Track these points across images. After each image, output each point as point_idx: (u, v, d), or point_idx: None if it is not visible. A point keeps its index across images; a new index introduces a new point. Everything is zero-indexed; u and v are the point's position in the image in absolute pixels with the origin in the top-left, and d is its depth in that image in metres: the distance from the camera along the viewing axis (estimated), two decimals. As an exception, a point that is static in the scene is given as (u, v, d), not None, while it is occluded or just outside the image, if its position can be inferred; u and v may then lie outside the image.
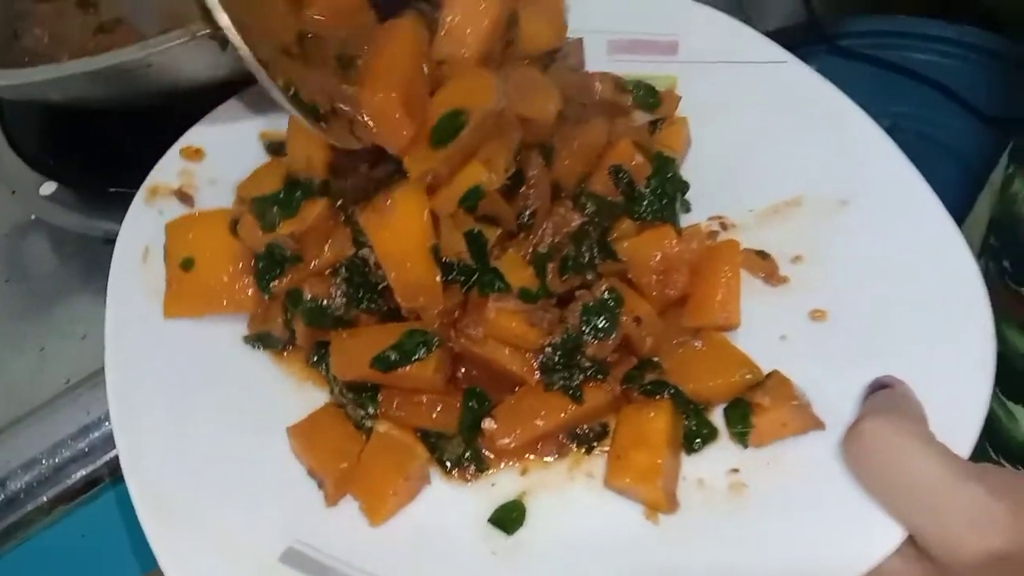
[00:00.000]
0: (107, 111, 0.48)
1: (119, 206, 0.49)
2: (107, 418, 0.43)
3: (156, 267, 0.42)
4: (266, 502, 0.37)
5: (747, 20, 1.07)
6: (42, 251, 0.52)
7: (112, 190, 0.50)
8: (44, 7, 0.57)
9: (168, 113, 0.46)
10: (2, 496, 0.43)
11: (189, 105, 0.46)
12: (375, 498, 0.36)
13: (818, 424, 0.35)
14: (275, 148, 0.44)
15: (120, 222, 0.47)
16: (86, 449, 0.43)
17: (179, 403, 0.38)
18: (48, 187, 0.52)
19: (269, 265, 0.39)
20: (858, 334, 0.37)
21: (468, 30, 0.39)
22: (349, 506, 0.37)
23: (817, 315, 0.38)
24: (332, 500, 0.37)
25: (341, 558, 0.35)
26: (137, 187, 0.45)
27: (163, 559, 0.35)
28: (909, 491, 0.31)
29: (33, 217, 0.52)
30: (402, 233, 0.37)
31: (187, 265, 0.40)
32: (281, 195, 0.40)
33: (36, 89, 0.43)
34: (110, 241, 0.49)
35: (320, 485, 0.37)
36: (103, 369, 0.42)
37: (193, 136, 0.45)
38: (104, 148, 0.52)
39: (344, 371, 0.38)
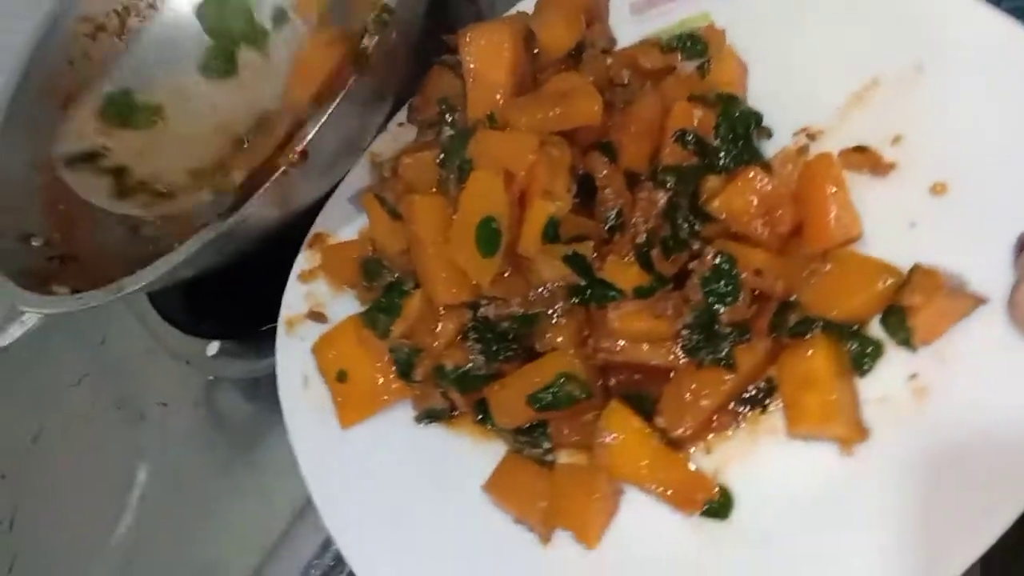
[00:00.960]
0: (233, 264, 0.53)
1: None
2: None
3: (318, 389, 0.45)
4: (490, 561, 0.39)
5: None
6: (230, 403, 0.56)
7: (264, 329, 0.55)
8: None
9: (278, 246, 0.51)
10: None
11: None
12: (582, 523, 0.38)
13: (979, 301, 0.34)
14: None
15: None
16: (331, 562, 0.47)
17: (382, 497, 0.42)
18: (212, 347, 0.57)
19: (401, 361, 0.42)
20: (985, 195, 0.35)
21: (491, 72, 0.40)
22: (562, 540, 0.38)
23: (938, 189, 0.36)
24: (546, 538, 0.39)
25: None
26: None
27: None
28: None
29: (211, 378, 0.57)
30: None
31: (342, 377, 0.44)
32: (383, 301, 0.43)
33: (170, 276, 0.48)
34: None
35: (530, 528, 0.39)
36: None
37: (303, 261, 0.49)
38: (241, 296, 0.56)
39: (508, 420, 0.40)
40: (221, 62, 0.60)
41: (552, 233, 0.38)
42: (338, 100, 0.42)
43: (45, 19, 0.61)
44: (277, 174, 0.43)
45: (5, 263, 0.52)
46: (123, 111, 0.59)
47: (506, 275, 0.40)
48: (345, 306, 0.47)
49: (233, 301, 0.57)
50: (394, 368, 0.43)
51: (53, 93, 0.61)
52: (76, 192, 0.57)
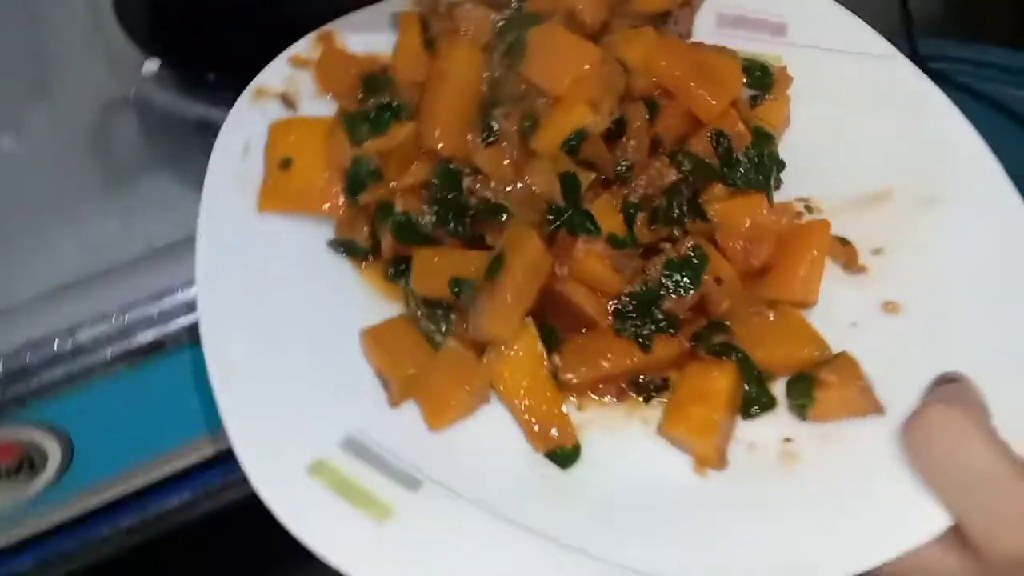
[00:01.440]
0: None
1: (216, 93, 0.51)
2: (183, 287, 0.44)
3: (254, 163, 0.43)
4: (333, 392, 0.38)
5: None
6: (133, 128, 0.53)
7: (212, 76, 0.52)
8: None
9: (279, 16, 0.48)
10: (69, 345, 0.44)
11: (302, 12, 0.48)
12: (437, 405, 0.38)
13: (879, 408, 0.37)
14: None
15: (215, 108, 0.49)
16: (156, 314, 0.45)
17: (261, 288, 0.40)
18: (151, 65, 0.54)
19: (356, 177, 0.41)
20: (929, 329, 0.38)
21: None
22: (409, 410, 0.38)
23: (890, 307, 0.40)
24: (396, 402, 0.38)
25: (397, 453, 0.37)
26: (237, 78, 0.46)
27: (229, 425, 0.36)
28: (964, 479, 0.33)
29: (132, 93, 0.54)
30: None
31: (285, 164, 0.42)
32: (372, 113, 0.42)
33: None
34: (202, 126, 0.51)
35: (385, 387, 0.39)
36: (183, 240, 0.44)
37: (302, 47, 0.47)
38: (210, 35, 0.53)
39: (424, 287, 0.40)
40: None
41: (575, 144, 0.39)
42: None
43: None
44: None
45: None
46: None
47: (502, 160, 0.40)
48: (318, 109, 0.45)
49: (196, 37, 0.53)
50: (342, 182, 0.42)
51: None
52: None
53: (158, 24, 0.55)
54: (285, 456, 0.36)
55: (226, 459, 0.48)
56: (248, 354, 0.38)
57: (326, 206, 0.42)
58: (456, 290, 0.39)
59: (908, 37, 1.02)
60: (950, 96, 1.00)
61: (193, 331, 0.44)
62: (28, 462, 0.45)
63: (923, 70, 1.03)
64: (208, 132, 0.49)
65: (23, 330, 0.44)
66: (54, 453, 0.46)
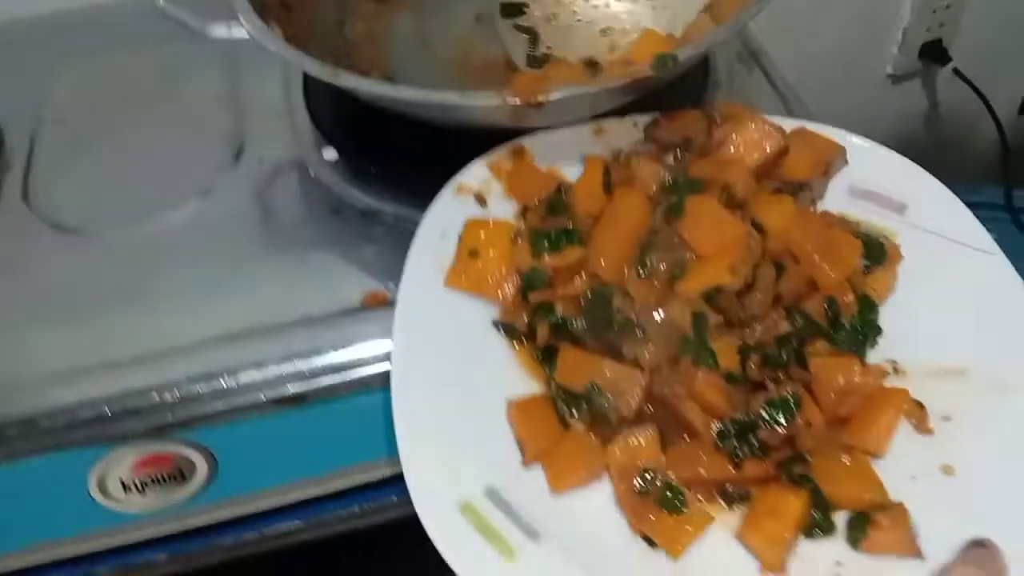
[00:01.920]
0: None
1: (379, 186, 0.60)
2: (330, 350, 0.53)
3: (447, 247, 0.52)
4: (482, 447, 0.47)
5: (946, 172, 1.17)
6: (307, 205, 0.61)
7: (375, 170, 0.61)
8: (367, 5, 0.68)
9: (436, 135, 0.57)
10: (230, 384, 0.52)
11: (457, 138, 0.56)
12: (561, 472, 0.47)
13: (919, 554, 0.43)
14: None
15: (377, 200, 0.59)
16: (306, 371, 0.53)
17: (440, 352, 0.49)
18: (329, 153, 0.63)
19: (530, 280, 0.50)
20: (975, 496, 0.45)
21: (745, 156, 0.48)
22: (539, 473, 0.47)
23: (947, 469, 0.47)
24: (527, 462, 0.47)
25: (524, 506, 0.45)
26: (397, 176, 0.58)
27: (407, 462, 0.45)
28: None
29: (312, 174, 0.62)
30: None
31: (473, 254, 0.51)
32: (552, 235, 0.51)
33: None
34: (364, 213, 0.59)
35: (521, 450, 0.47)
36: (336, 312, 0.54)
37: (498, 154, 0.56)
38: (380, 139, 0.62)
39: (565, 379, 0.48)
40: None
41: (713, 296, 0.47)
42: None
43: None
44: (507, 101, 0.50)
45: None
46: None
47: (650, 292, 0.48)
48: (504, 209, 0.54)
49: (374, 133, 0.62)
50: (518, 280, 0.51)
51: None
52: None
53: (340, 121, 0.64)
54: (445, 494, 0.44)
55: (341, 495, 0.56)
56: (426, 406, 0.47)
57: (499, 293, 0.51)
58: (592, 391, 0.47)
59: (1006, 188, 1.08)
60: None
61: (331, 389, 0.53)
62: (180, 473, 0.54)
63: (1013, 221, 1.09)
64: (368, 219, 0.59)
65: (195, 366, 0.53)
66: (202, 469, 0.54)
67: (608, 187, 0.52)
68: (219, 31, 0.57)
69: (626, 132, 0.57)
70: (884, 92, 1.27)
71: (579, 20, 0.69)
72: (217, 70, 0.70)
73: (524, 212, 0.54)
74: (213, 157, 0.64)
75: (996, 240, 1.06)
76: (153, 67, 0.72)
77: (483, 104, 0.51)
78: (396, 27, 0.69)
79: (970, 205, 1.16)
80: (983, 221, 1.13)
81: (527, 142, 0.56)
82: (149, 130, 0.67)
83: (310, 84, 0.66)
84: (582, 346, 0.49)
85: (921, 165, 1.34)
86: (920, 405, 0.48)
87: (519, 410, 0.48)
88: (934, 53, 1.21)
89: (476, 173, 0.55)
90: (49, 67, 0.73)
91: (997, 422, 0.47)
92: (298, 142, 0.64)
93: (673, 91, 0.58)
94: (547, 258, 0.49)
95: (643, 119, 0.57)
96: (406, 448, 0.45)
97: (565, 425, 0.48)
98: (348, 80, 0.52)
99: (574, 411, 0.48)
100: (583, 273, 0.50)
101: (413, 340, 0.49)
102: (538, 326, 0.49)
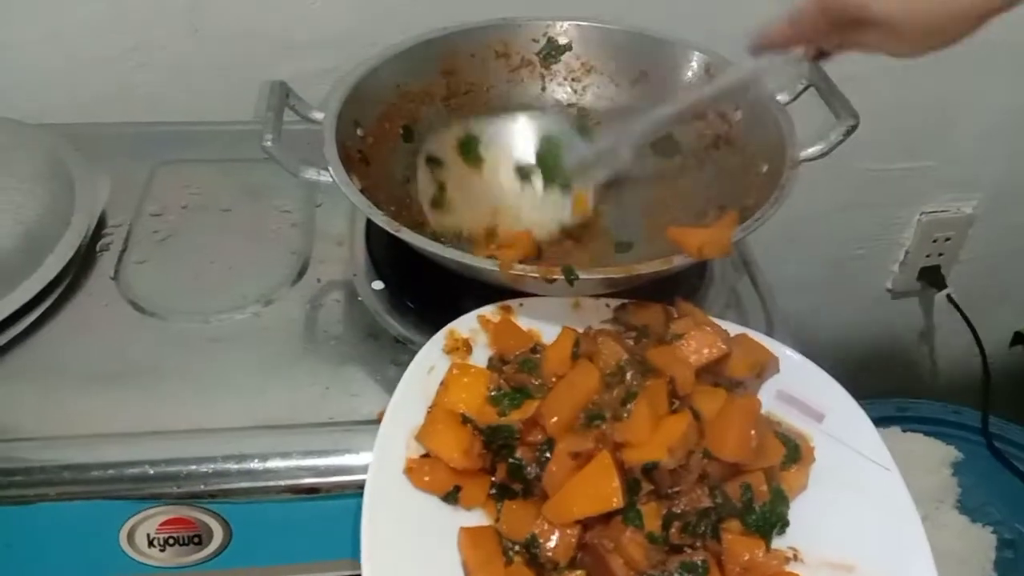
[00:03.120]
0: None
1: (413, 318, 0.71)
2: (345, 454, 0.62)
3: (433, 381, 0.62)
4: (436, 560, 0.55)
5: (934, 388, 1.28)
6: (350, 325, 0.72)
7: (411, 304, 0.72)
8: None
9: (462, 285, 0.67)
10: (258, 467, 0.62)
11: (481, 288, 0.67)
12: None
13: None
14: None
15: (407, 329, 0.69)
16: (322, 467, 0.62)
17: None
18: (378, 284, 0.74)
19: (495, 432, 0.59)
20: None
21: (689, 356, 0.60)
22: None
23: None
24: None
25: None
26: (429, 314, 0.68)
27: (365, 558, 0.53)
28: None
29: (359, 298, 0.73)
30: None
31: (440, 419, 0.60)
32: (511, 395, 0.61)
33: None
34: (396, 340, 0.70)
35: (465, 572, 0.55)
36: (358, 421, 0.63)
37: (487, 310, 0.66)
38: (417, 282, 0.73)
39: (507, 528, 0.57)
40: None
41: (650, 468, 0.56)
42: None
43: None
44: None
45: (339, 132, 0.71)
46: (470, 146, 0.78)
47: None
48: (482, 355, 0.64)
49: (416, 273, 0.73)
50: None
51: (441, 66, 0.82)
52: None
53: (391, 258, 0.76)
54: None
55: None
56: (390, 517, 0.55)
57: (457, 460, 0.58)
58: (530, 541, 0.56)
59: (983, 414, 1.18)
60: (1004, 475, 1.15)
61: (341, 486, 0.62)
62: (199, 537, 0.63)
63: (987, 446, 1.18)
64: (398, 346, 0.69)
65: (231, 447, 0.62)
66: (218, 536, 0.63)
67: (575, 356, 0.62)
68: (309, 174, 0.69)
69: (598, 310, 0.67)
70: (883, 305, 1.38)
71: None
72: (295, 195, 0.83)
73: (500, 362, 0.63)
74: (280, 271, 0.75)
75: (969, 458, 1.16)
76: (240, 183, 0.83)
77: (514, 274, 0.62)
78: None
79: (949, 424, 1.26)
80: (961, 441, 1.23)
81: (514, 304, 0.66)
82: (230, 238, 0.79)
83: (371, 223, 0.78)
84: (532, 492, 0.57)
85: (910, 379, 1.45)
86: None
87: (468, 537, 0.56)
88: (931, 277, 1.33)
89: (467, 322, 0.65)
90: (153, 167, 0.86)
91: None
92: (353, 269, 0.75)
93: (671, 282, 0.69)
94: (511, 414, 0.59)
95: (614, 302, 0.67)
96: (367, 551, 0.53)
97: (508, 560, 0.56)
98: (408, 235, 0.64)
99: (516, 548, 0.56)
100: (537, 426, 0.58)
101: (390, 455, 0.57)
102: (498, 465, 0.58)
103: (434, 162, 0.77)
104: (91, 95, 0.93)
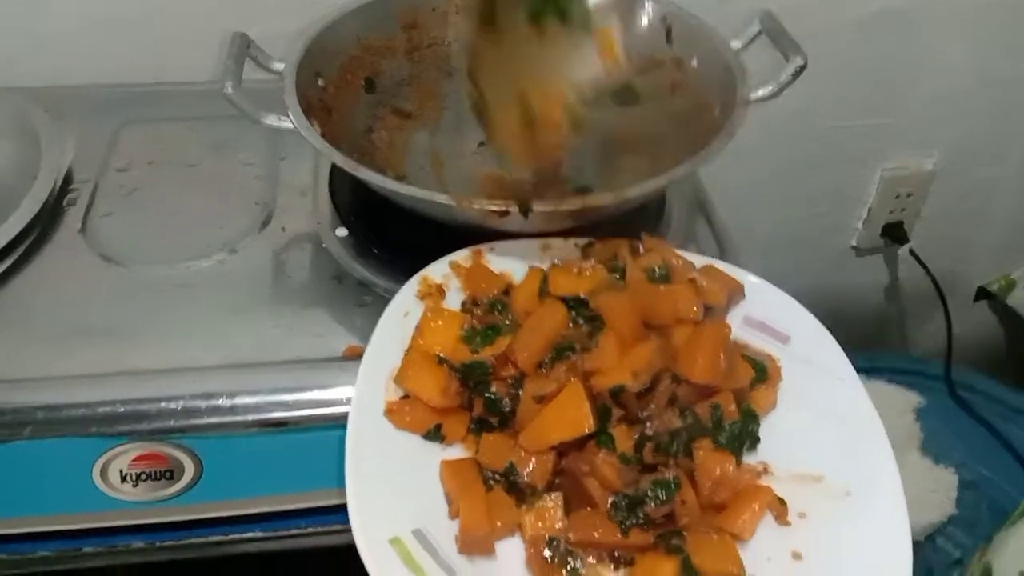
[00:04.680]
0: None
1: (378, 265, 0.73)
2: (314, 390, 0.64)
3: (408, 325, 0.63)
4: (416, 497, 0.57)
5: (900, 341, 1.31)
6: (315, 270, 0.73)
7: (376, 251, 0.75)
8: (393, 119, 0.83)
9: (431, 229, 0.68)
10: (226, 404, 0.64)
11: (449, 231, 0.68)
12: (473, 529, 0.55)
13: None
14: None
15: (373, 275, 0.71)
16: (290, 401, 0.64)
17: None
18: (342, 231, 0.75)
19: (469, 370, 0.60)
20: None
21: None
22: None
23: (796, 555, 0.56)
24: (453, 515, 0.56)
25: (445, 549, 0.54)
26: (395, 259, 0.70)
27: (351, 499, 0.54)
28: None
29: (323, 245, 0.74)
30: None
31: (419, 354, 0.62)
32: (483, 331, 0.62)
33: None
34: (361, 284, 0.72)
35: (448, 502, 0.57)
36: (321, 360, 0.65)
37: (460, 255, 0.67)
38: (381, 227, 0.74)
39: (486, 459, 0.58)
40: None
41: (617, 393, 0.57)
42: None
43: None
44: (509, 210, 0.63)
45: (299, 81, 0.72)
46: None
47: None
48: (456, 299, 0.65)
49: (382, 219, 0.75)
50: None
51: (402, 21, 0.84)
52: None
53: (354, 206, 0.77)
54: (378, 528, 0.54)
55: (300, 514, 0.67)
56: (373, 455, 0.57)
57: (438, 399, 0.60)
58: (509, 469, 0.58)
59: (947, 363, 1.22)
60: (965, 420, 1.19)
61: (308, 419, 0.64)
62: (170, 472, 0.65)
63: (950, 393, 1.22)
64: (363, 289, 0.71)
65: (199, 385, 0.64)
66: (189, 471, 0.64)
67: (542, 294, 0.63)
68: (270, 120, 0.71)
69: (568, 250, 0.68)
70: (848, 262, 1.41)
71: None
72: (259, 149, 0.83)
73: (473, 305, 0.64)
74: (244, 220, 0.76)
75: (932, 405, 1.19)
76: (205, 139, 0.84)
77: (470, 208, 0.63)
78: (414, 139, 0.83)
79: (914, 373, 1.29)
80: (925, 389, 1.26)
81: (484, 248, 0.67)
82: (194, 191, 0.80)
83: (335, 173, 0.80)
84: (508, 425, 0.59)
85: (877, 334, 1.48)
86: (782, 501, 0.58)
87: (449, 469, 0.57)
88: (894, 233, 1.36)
89: (439, 268, 0.66)
90: (119, 125, 0.86)
91: (840, 522, 0.57)
92: (317, 218, 0.76)
93: (632, 222, 0.71)
94: (483, 350, 0.60)
95: (582, 241, 0.68)
96: (352, 486, 0.55)
97: (488, 488, 0.57)
98: (365, 173, 0.65)
99: (496, 477, 0.58)
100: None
101: (370, 407, 0.59)
102: (474, 400, 0.60)
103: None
104: (55, 58, 0.94)
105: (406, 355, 0.62)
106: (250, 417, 0.63)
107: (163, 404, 0.62)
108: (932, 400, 1.22)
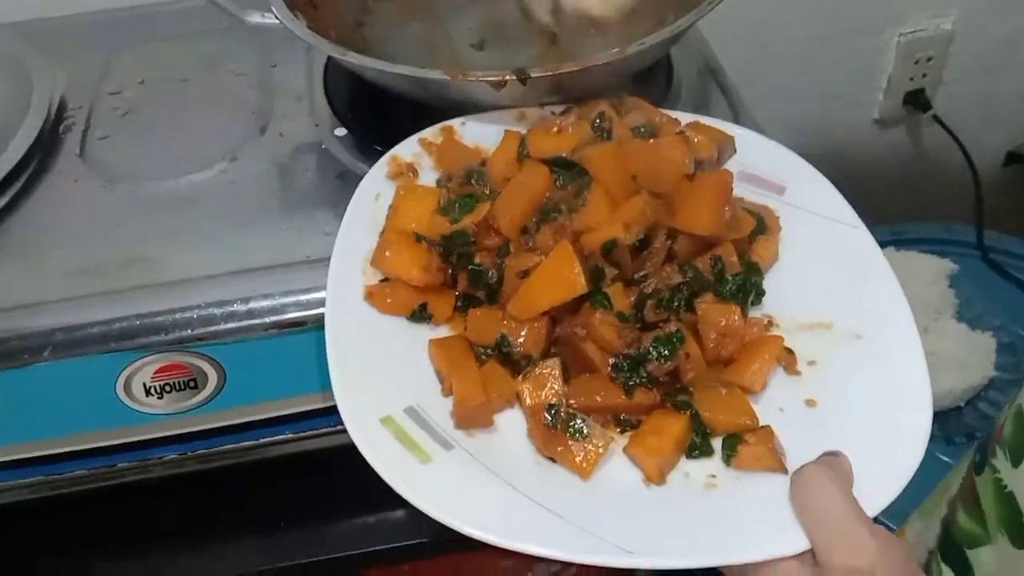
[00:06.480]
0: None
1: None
2: (317, 287, 0.62)
3: (381, 207, 0.62)
4: (406, 377, 0.55)
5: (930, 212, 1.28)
6: (318, 172, 0.72)
7: (378, 148, 0.73)
8: (384, 5, 0.80)
9: (431, 115, 0.68)
10: (241, 309, 0.64)
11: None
12: (468, 400, 0.54)
13: (782, 467, 0.51)
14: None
15: None
16: (305, 301, 0.64)
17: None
18: (340, 130, 0.74)
19: (452, 241, 0.58)
20: (830, 421, 0.53)
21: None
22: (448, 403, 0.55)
23: (809, 402, 0.54)
24: (446, 392, 0.55)
25: (441, 424, 0.53)
26: None
27: (336, 386, 0.53)
28: (820, 516, 0.47)
29: (323, 147, 0.73)
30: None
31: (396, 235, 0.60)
32: (462, 200, 0.59)
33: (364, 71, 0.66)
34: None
35: (440, 381, 0.55)
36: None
37: (430, 132, 0.65)
38: (380, 120, 0.73)
39: (474, 335, 0.56)
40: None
41: (609, 249, 0.54)
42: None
43: None
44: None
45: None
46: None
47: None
48: (429, 178, 0.64)
49: (378, 114, 0.74)
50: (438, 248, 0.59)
51: None
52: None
53: (351, 103, 0.75)
54: (367, 410, 0.52)
55: (327, 413, 0.68)
56: (355, 342, 0.55)
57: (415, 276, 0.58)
58: (501, 341, 0.55)
59: (978, 228, 1.20)
60: (1001, 284, 1.17)
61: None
62: (194, 382, 0.65)
63: (983, 258, 1.20)
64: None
65: (213, 293, 0.64)
66: (212, 379, 0.65)
67: (521, 158, 0.60)
68: (254, 18, 0.69)
69: (544, 119, 0.65)
70: (873, 135, 1.38)
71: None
72: (250, 59, 0.82)
73: (447, 181, 0.62)
74: (242, 130, 0.75)
75: (965, 271, 1.17)
76: (195, 55, 0.83)
77: (465, 81, 0.61)
78: (407, 32, 0.80)
79: (945, 242, 1.27)
80: (957, 256, 1.24)
81: (455, 122, 0.64)
82: (189, 105, 0.79)
83: (328, 72, 0.78)
84: (496, 298, 0.56)
85: (905, 205, 1.45)
86: (791, 351, 0.55)
87: (437, 347, 0.55)
88: (917, 101, 1.32)
89: (409, 147, 0.63)
90: (108, 52, 0.85)
91: (853, 365, 0.55)
92: (315, 120, 0.74)
93: (639, 94, 0.68)
94: (463, 219, 0.57)
95: (559, 109, 0.65)
96: (336, 371, 0.53)
97: (480, 362, 0.55)
98: (355, 58, 0.63)
99: (488, 352, 0.55)
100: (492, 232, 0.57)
101: (346, 294, 0.57)
102: (458, 275, 0.57)
103: None
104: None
105: (381, 236, 0.59)
106: (267, 320, 0.63)
107: (179, 315, 0.62)
108: (965, 266, 1.20)
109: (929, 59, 1.27)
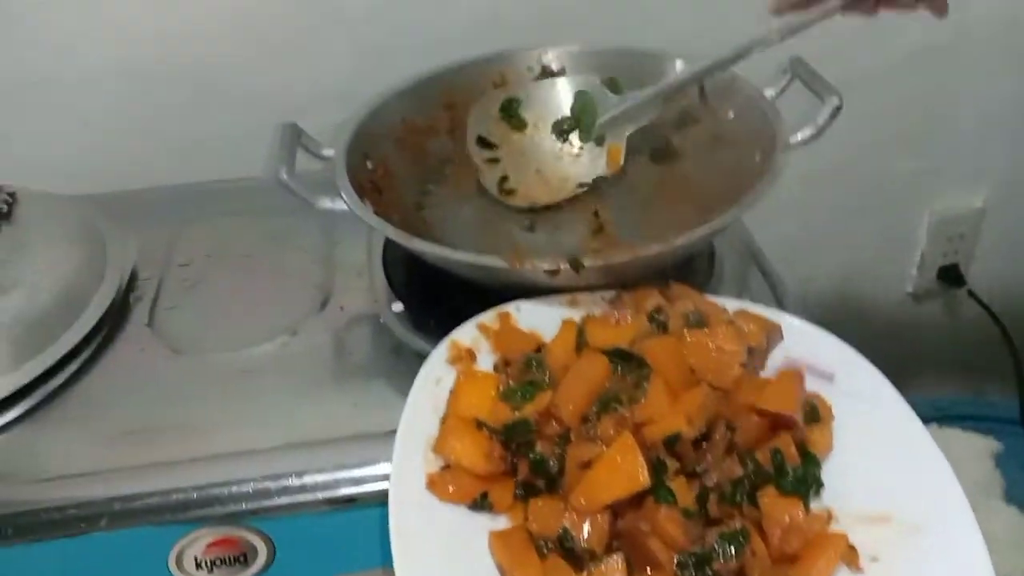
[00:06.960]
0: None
1: (435, 335, 0.74)
2: (380, 463, 0.63)
3: (442, 392, 0.63)
4: (472, 565, 0.55)
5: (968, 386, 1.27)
6: (375, 345, 0.74)
7: (432, 323, 0.76)
8: (441, 189, 0.85)
9: (482, 297, 0.69)
10: (295, 483, 0.65)
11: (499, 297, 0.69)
12: None
13: None
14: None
15: (431, 346, 0.72)
16: (358, 477, 0.64)
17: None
18: (397, 306, 0.76)
19: (512, 430, 0.58)
20: None
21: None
22: None
23: None
24: None
25: None
26: (450, 329, 0.68)
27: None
28: None
29: (381, 320, 0.76)
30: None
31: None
32: (522, 389, 0.60)
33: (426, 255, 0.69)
34: (420, 356, 0.73)
35: (501, 574, 0.55)
36: (386, 433, 0.63)
37: (487, 317, 0.66)
38: (434, 299, 0.76)
39: (537, 526, 0.56)
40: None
41: (672, 442, 0.55)
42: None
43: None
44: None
45: (350, 164, 0.75)
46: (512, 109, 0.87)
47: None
48: (487, 362, 0.65)
49: (435, 293, 0.76)
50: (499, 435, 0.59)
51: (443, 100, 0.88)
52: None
53: (408, 281, 0.78)
54: None
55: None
56: (419, 532, 0.55)
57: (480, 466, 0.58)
58: (563, 535, 0.55)
59: (1021, 404, 1.18)
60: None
61: (377, 495, 0.64)
62: (244, 557, 0.65)
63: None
64: (421, 361, 0.72)
65: (268, 467, 0.64)
66: (263, 554, 0.65)
67: (579, 347, 0.62)
68: (324, 203, 0.73)
69: (595, 304, 0.67)
70: (905, 308, 1.39)
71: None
72: (314, 238, 0.85)
73: (505, 366, 0.63)
74: (303, 304, 0.77)
75: (1011, 449, 1.16)
76: (263, 231, 0.86)
77: (521, 268, 0.64)
78: (462, 214, 0.84)
79: (986, 419, 1.26)
80: (999, 432, 1.23)
81: (511, 307, 0.66)
82: (254, 279, 0.81)
83: (387, 251, 0.81)
84: (557, 484, 0.56)
85: (940, 377, 1.44)
86: (853, 548, 0.54)
87: (499, 541, 0.54)
88: (951, 276, 1.34)
89: (468, 331, 0.65)
90: (179, 225, 0.89)
91: (915, 561, 0.54)
92: (373, 296, 0.77)
93: (681, 276, 0.70)
94: (524, 407, 0.58)
95: (609, 294, 0.67)
96: (400, 566, 0.53)
97: (542, 556, 0.54)
98: (418, 244, 0.66)
99: (550, 544, 0.55)
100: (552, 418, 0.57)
101: (411, 480, 0.57)
102: (519, 465, 0.56)
103: (483, 143, 0.85)
104: (114, 167, 0.99)
105: (443, 422, 0.60)
106: (320, 495, 0.63)
107: (234, 488, 0.62)
108: (1010, 444, 1.18)
109: (961, 236, 1.29)
